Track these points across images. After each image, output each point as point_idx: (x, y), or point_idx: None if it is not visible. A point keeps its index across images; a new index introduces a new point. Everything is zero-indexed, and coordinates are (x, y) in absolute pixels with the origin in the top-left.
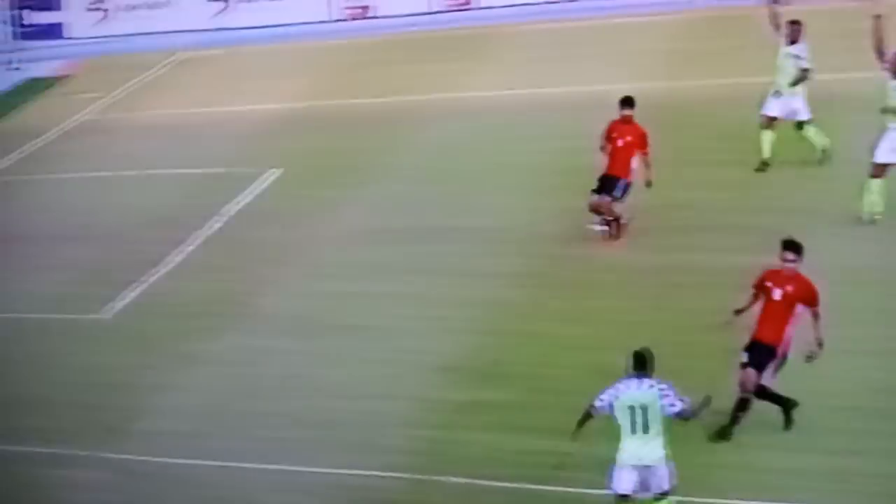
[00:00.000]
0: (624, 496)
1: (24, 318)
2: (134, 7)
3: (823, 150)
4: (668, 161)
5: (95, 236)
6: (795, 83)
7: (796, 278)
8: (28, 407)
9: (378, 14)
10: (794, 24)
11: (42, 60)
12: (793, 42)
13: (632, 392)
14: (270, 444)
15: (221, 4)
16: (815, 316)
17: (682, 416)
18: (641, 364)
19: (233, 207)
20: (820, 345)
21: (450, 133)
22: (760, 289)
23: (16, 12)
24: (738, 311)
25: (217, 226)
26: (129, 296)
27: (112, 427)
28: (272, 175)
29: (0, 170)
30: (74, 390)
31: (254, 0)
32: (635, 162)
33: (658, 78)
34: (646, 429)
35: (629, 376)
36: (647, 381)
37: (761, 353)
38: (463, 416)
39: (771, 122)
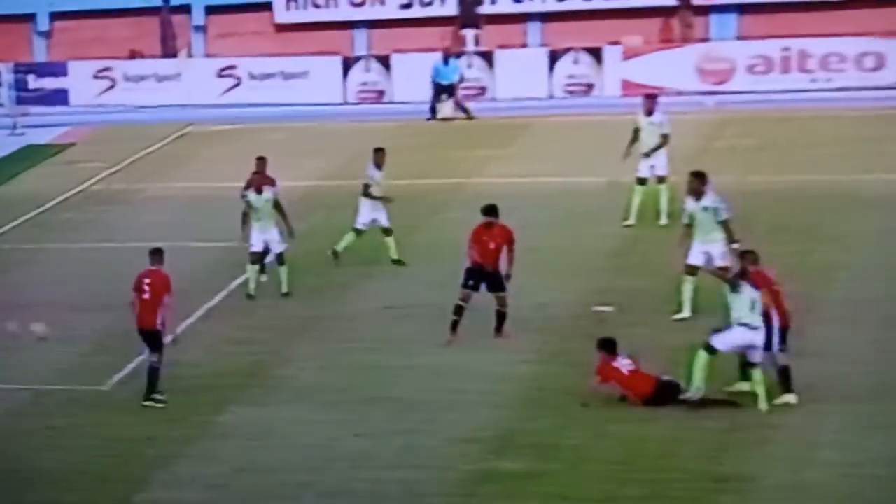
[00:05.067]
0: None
1: (28, 388)
2: (142, 78)
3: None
4: None
5: (101, 305)
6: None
7: None
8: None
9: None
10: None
11: (45, 126)
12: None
13: None
14: None
15: (232, 81)
16: None
17: None
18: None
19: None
20: None
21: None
22: None
23: (21, 76)
24: None
25: (221, 298)
26: (130, 367)
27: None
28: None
29: None
30: (85, 462)
31: (265, 79)
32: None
33: None
34: None
35: None
36: None
37: None
38: (477, 486)
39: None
